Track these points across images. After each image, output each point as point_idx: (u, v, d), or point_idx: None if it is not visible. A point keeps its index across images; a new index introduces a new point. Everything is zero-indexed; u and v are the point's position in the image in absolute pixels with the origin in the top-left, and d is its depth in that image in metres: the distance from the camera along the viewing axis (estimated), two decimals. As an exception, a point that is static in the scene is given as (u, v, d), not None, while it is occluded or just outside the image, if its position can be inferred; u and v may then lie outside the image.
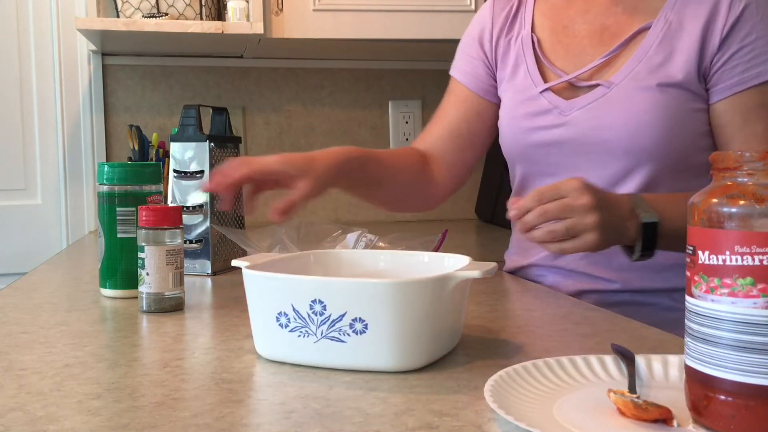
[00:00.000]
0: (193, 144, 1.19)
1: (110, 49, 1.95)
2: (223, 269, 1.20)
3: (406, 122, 2.16)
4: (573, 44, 1.11)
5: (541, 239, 0.88)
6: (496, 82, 1.19)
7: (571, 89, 1.09)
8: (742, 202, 0.47)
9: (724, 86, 1.02)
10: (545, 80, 1.11)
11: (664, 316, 1.00)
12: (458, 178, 1.23)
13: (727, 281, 0.47)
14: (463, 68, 1.22)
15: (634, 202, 0.93)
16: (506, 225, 1.73)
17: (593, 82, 1.06)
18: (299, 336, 0.64)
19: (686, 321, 0.50)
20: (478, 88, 1.20)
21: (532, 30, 1.15)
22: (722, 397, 0.47)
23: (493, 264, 0.70)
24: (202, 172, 1.19)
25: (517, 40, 1.16)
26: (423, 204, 1.25)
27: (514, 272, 1.19)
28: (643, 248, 0.91)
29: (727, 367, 0.47)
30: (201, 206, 1.18)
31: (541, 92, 1.10)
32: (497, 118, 1.19)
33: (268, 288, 0.65)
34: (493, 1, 1.22)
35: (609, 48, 1.07)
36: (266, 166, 0.91)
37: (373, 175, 1.08)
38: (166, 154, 1.85)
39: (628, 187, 1.04)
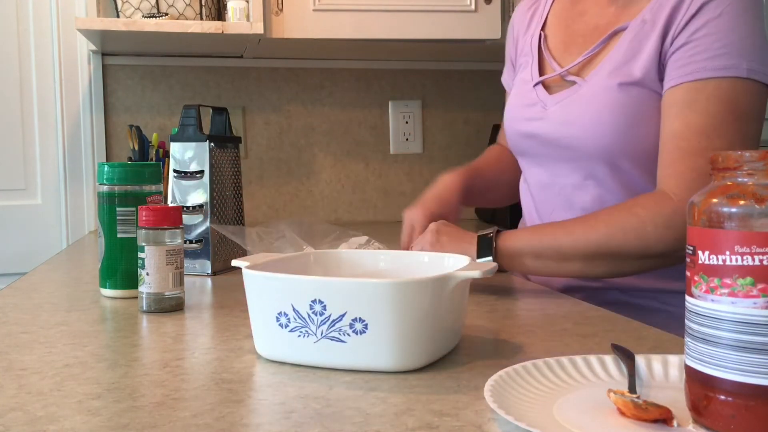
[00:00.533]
0: (193, 144, 1.19)
1: (110, 49, 1.95)
2: (223, 269, 1.21)
3: (406, 122, 2.16)
4: (570, 42, 1.13)
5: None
6: None
7: (558, 86, 1.11)
8: (742, 202, 0.47)
9: (665, 81, 0.98)
10: (542, 75, 1.14)
11: (652, 318, 1.00)
12: None
13: (727, 281, 0.47)
14: (504, 77, 1.32)
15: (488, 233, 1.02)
16: (506, 225, 1.73)
17: (573, 79, 1.08)
18: (299, 336, 0.64)
19: (686, 321, 0.50)
20: None
21: (543, 28, 1.18)
22: (722, 397, 0.47)
23: (494, 264, 0.70)
24: (202, 172, 1.19)
25: (531, 38, 1.20)
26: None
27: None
28: (482, 254, 0.99)
29: (727, 367, 0.47)
30: (201, 206, 1.18)
31: (534, 85, 1.14)
32: None
33: (268, 288, 0.65)
34: (519, 5, 1.28)
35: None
36: (423, 228, 1.10)
37: (482, 188, 1.26)
38: (166, 154, 1.85)
39: (597, 185, 1.05)
